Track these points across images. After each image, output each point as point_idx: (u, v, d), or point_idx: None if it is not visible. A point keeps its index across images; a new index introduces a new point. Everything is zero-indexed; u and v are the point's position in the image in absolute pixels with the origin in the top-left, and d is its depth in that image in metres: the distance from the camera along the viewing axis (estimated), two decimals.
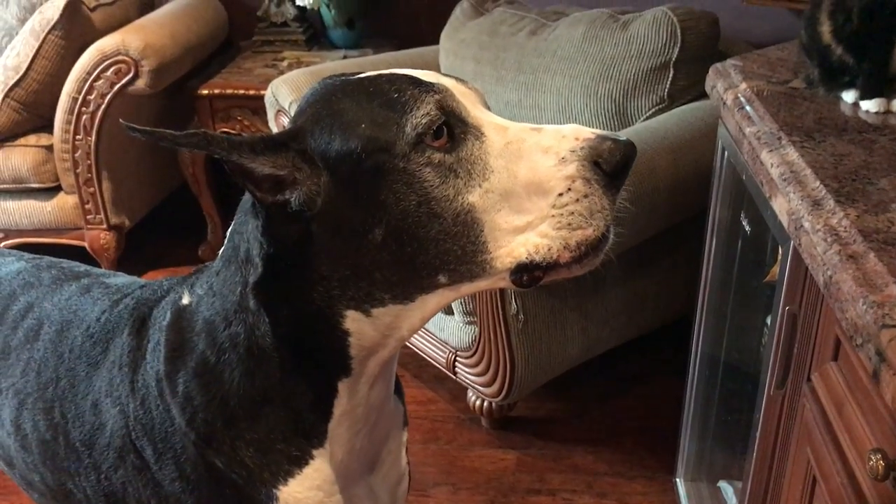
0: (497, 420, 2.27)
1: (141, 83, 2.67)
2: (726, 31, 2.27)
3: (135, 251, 3.02)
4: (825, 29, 1.39)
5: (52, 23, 2.67)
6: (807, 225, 1.08)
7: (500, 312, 1.97)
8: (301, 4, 2.97)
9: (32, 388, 1.18)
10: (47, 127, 2.77)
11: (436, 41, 2.65)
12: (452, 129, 0.87)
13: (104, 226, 2.85)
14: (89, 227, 2.86)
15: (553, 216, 0.85)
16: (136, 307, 1.14)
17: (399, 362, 1.11)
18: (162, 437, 1.03)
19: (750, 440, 1.43)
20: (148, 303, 1.13)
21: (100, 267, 2.78)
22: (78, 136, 2.71)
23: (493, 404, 2.20)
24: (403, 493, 1.23)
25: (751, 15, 2.58)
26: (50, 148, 2.77)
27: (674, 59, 2.12)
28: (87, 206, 2.82)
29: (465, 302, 2.03)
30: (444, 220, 0.85)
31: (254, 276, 0.94)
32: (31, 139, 2.78)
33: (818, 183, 1.14)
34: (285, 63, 2.99)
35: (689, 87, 2.17)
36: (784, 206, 1.17)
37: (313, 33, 3.19)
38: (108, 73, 2.65)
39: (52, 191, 2.84)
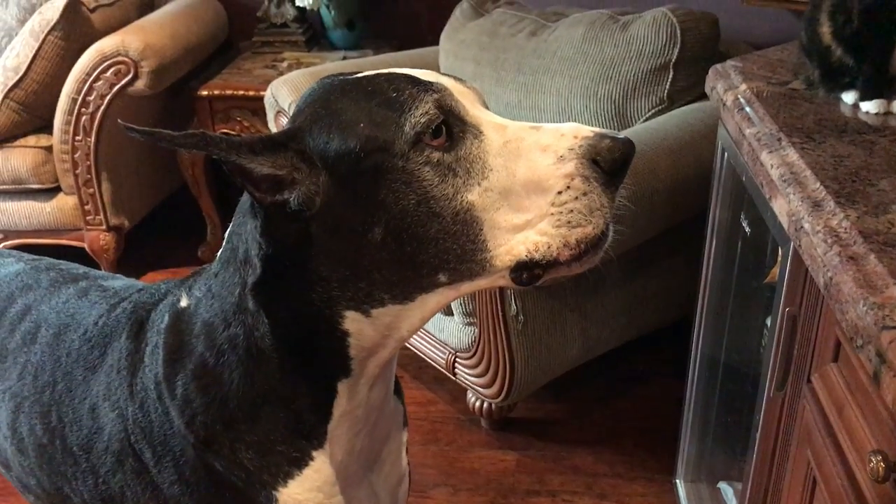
0: (497, 421, 2.26)
1: (140, 84, 2.67)
2: (726, 31, 2.26)
3: (134, 252, 3.02)
4: (825, 30, 1.39)
5: (51, 23, 2.67)
6: (807, 226, 1.08)
7: (500, 313, 1.96)
8: (301, 5, 2.97)
9: (29, 391, 1.18)
10: (47, 128, 2.77)
11: (436, 42, 2.65)
12: (451, 128, 0.86)
13: (104, 227, 2.85)
14: (89, 228, 2.86)
15: (552, 214, 0.85)
16: (133, 311, 1.13)
17: (399, 363, 1.11)
18: (161, 441, 1.03)
19: (750, 441, 1.42)
20: (146, 306, 1.13)
21: (99, 268, 2.78)
22: (77, 137, 2.71)
23: (493, 405, 2.20)
24: (404, 493, 1.23)
25: (751, 15, 2.58)
26: (49, 149, 2.76)
27: (673, 60, 2.12)
28: (86, 207, 2.82)
29: (464, 303, 2.03)
30: (443, 218, 0.85)
31: (253, 277, 0.94)
32: (31, 140, 2.78)
33: (818, 184, 1.13)
34: (285, 64, 2.99)
35: (688, 88, 2.17)
36: (784, 207, 1.16)
37: (313, 34, 3.18)
38: (108, 73, 2.65)
39: (52, 192, 2.83)
